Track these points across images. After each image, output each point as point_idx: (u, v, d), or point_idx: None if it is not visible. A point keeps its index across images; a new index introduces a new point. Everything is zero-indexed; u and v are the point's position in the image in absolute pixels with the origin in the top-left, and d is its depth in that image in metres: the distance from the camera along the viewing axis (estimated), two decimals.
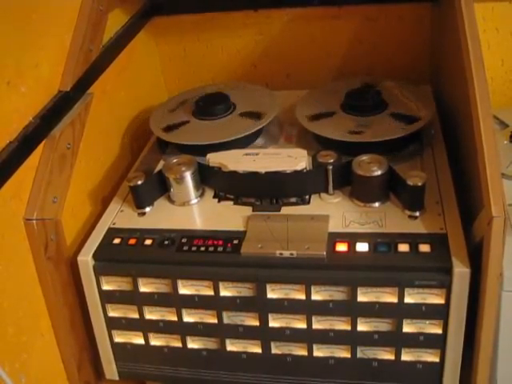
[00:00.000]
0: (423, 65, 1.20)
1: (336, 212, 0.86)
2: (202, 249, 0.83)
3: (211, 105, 1.04)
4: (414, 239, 0.79)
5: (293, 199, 0.89)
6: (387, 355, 0.83)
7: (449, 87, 1.03)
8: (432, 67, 1.19)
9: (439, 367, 0.81)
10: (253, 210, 0.88)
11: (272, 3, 1.18)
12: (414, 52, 1.19)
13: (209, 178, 0.93)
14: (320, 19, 1.19)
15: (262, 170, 0.88)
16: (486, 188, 0.71)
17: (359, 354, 0.83)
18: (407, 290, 0.77)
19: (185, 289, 0.84)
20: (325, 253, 0.79)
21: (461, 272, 0.75)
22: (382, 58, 1.20)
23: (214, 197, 0.93)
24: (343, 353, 0.84)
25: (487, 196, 0.70)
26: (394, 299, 0.78)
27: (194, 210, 0.91)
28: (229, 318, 0.85)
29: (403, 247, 0.79)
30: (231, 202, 0.91)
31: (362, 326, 0.81)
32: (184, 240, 0.85)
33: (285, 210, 0.88)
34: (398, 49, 1.19)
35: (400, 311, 0.79)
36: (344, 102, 1.02)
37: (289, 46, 1.23)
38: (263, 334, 0.85)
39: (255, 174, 0.88)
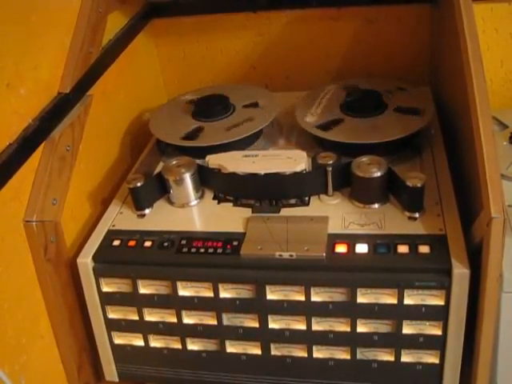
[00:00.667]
0: (423, 66, 1.20)
1: (335, 213, 0.86)
2: (202, 250, 0.83)
3: (210, 106, 1.05)
4: (413, 240, 0.79)
5: (292, 200, 0.89)
6: (387, 356, 0.83)
7: (448, 88, 1.03)
8: (431, 68, 1.19)
9: (439, 368, 0.81)
10: (252, 212, 0.88)
11: (271, 5, 1.19)
12: (414, 53, 1.19)
13: (208, 180, 0.93)
14: (319, 20, 1.19)
15: (261, 172, 0.88)
16: (485, 189, 0.70)
17: (359, 356, 0.83)
18: (407, 291, 0.77)
19: (184, 290, 0.84)
20: (324, 254, 0.79)
21: (460, 273, 0.75)
22: (381, 60, 1.20)
23: (214, 198, 0.93)
24: (343, 354, 0.84)
25: (486, 197, 0.70)
26: (393, 300, 0.78)
27: (193, 212, 0.91)
28: (228, 319, 0.85)
29: (403, 248, 0.78)
30: (231, 204, 0.91)
31: (362, 328, 0.81)
32: (183, 242, 0.85)
33: (284, 212, 0.88)
34: (397, 50, 1.19)
35: (400, 312, 0.79)
36: (344, 104, 1.02)
37: (288, 47, 1.23)
38: (263, 335, 0.85)
39: (254, 175, 0.88)
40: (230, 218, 0.88)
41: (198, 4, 1.23)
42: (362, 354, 0.83)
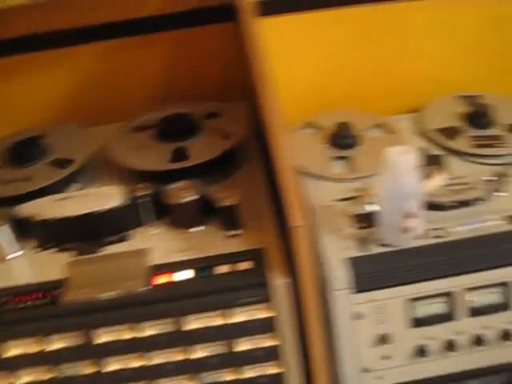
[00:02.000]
0: (238, 83, 1.21)
1: (157, 243, 0.85)
2: (25, 304, 0.80)
3: (21, 152, 1.00)
4: (233, 258, 0.80)
5: (112, 238, 0.87)
6: (230, 376, 0.83)
7: (255, 104, 1.06)
8: (246, 84, 1.21)
9: (284, 377, 0.83)
10: (75, 255, 0.86)
11: (78, 40, 1.16)
12: (227, 71, 1.21)
13: (26, 229, 0.89)
14: (126, 50, 1.17)
15: (73, 214, 0.86)
16: (284, 199, 0.73)
17: (203, 381, 0.83)
18: (233, 310, 0.78)
19: (15, 349, 0.80)
20: (145, 288, 0.78)
21: (280, 284, 0.77)
22: (195, 82, 1.21)
23: (36, 247, 0.89)
24: (187, 383, 0.83)
25: (286, 207, 0.72)
26: (223, 321, 0.79)
27: (13, 265, 0.87)
28: (66, 370, 0.82)
29: (224, 268, 0.80)
30: (53, 250, 0.88)
31: (198, 353, 0.81)
32: (3, 299, 0.81)
33: (106, 250, 0.86)
34: (209, 71, 1.20)
35: (231, 331, 0.80)
36: (158, 131, 1.02)
37: (101, 79, 1.20)
38: (102, 379, 0.82)
39: (67, 219, 0.86)
40: (52, 265, 0.85)
41: (4, 45, 1.17)
42: (205, 378, 0.83)
